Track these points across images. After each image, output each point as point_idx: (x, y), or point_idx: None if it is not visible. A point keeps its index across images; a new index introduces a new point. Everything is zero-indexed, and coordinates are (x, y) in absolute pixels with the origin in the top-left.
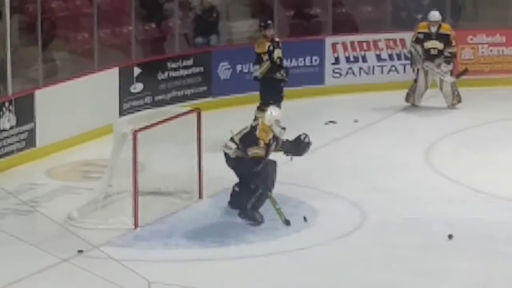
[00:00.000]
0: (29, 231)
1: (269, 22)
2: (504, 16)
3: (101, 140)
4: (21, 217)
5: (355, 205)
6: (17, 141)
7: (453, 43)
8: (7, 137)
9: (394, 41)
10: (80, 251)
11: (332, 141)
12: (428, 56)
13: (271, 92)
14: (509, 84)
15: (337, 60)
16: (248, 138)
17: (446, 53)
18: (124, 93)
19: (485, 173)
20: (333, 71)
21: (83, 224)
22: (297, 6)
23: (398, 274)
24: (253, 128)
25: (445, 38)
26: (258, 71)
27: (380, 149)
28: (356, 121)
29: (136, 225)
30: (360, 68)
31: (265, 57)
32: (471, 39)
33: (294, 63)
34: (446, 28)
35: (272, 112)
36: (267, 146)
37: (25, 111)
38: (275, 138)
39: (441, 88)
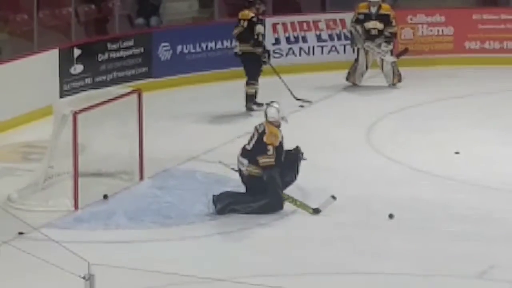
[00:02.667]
0: None
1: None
2: None
3: (42, 121)
4: None
5: (295, 185)
6: None
7: (393, 23)
8: None
9: (334, 21)
10: (20, 233)
11: None
12: (369, 36)
13: (253, 66)
14: (448, 64)
15: (277, 41)
16: (258, 146)
17: (386, 33)
18: (64, 74)
19: (424, 152)
20: (274, 51)
21: (23, 206)
22: None
23: (341, 253)
24: (260, 135)
25: (385, 19)
26: (238, 47)
27: (321, 128)
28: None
29: (76, 206)
30: (301, 48)
31: (244, 23)
32: (411, 19)
33: (235, 43)
34: (386, 9)
35: (272, 109)
36: (277, 148)
37: None
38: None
39: (382, 68)
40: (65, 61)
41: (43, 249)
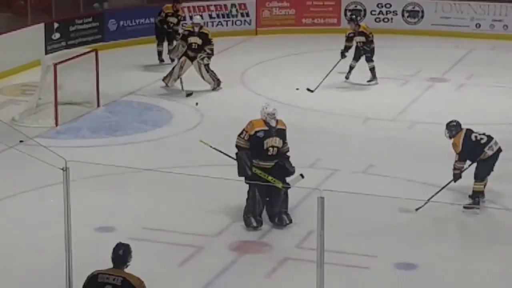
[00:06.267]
0: None
1: None
2: None
3: (33, 70)
4: None
5: (196, 110)
6: None
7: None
8: None
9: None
10: (21, 141)
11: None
12: (191, 49)
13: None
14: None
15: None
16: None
17: (207, 49)
18: (48, 39)
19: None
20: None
21: (22, 124)
22: None
23: None
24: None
25: (204, 37)
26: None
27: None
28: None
29: (56, 124)
30: None
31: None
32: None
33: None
34: (206, 30)
35: (266, 107)
36: (250, 137)
37: None
38: (270, 133)
39: (202, 77)
40: (48, 31)
41: (36, 152)
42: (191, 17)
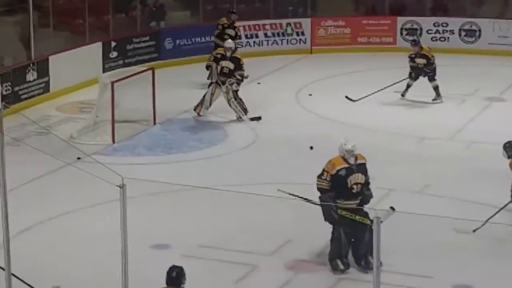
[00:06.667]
0: (46, 145)
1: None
2: None
3: (91, 88)
4: (41, 137)
5: (251, 128)
6: (38, 89)
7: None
8: (31, 86)
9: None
10: (78, 158)
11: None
12: (222, 73)
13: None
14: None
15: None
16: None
17: (237, 75)
18: (105, 57)
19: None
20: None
21: (80, 141)
22: None
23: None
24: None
25: (236, 61)
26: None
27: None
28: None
29: (113, 141)
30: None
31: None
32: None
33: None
34: (238, 55)
35: (345, 143)
36: (332, 177)
37: (43, 69)
38: (351, 170)
39: (229, 104)
40: (106, 50)
41: (93, 168)
42: (246, 36)
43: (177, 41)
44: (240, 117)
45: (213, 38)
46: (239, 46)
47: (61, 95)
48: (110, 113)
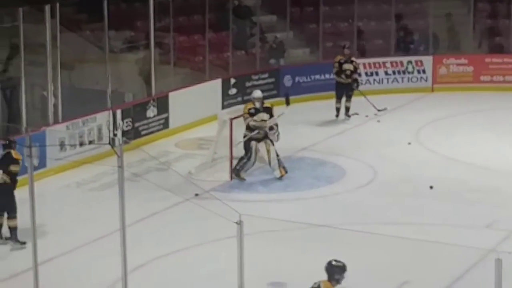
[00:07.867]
0: (165, 181)
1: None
2: None
3: (210, 124)
4: (160, 172)
5: (369, 166)
6: (157, 125)
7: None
8: (151, 122)
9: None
10: (196, 194)
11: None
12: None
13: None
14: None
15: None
16: None
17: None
18: (224, 94)
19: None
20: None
21: (198, 177)
22: None
23: (396, 214)
24: None
25: (269, 111)
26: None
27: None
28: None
29: (231, 178)
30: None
31: (336, 64)
32: (445, 61)
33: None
34: (268, 104)
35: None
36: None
37: (163, 105)
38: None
39: (269, 163)
40: (225, 86)
41: (210, 204)
42: (366, 73)
43: (296, 78)
44: (281, 177)
45: (332, 76)
46: (361, 82)
47: (180, 131)
48: (228, 150)
